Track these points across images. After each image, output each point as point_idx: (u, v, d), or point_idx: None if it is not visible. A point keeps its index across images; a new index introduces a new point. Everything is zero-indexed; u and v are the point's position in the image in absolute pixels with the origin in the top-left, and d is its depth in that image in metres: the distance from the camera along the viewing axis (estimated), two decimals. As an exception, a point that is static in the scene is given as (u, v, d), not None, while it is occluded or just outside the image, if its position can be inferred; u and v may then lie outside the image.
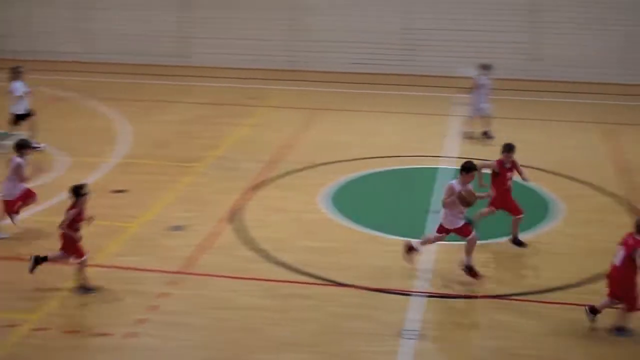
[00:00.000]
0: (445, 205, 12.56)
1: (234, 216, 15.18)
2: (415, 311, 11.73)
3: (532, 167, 18.07)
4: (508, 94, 24.14)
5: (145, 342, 10.81)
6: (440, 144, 20.02)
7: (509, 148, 14.05)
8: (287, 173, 17.71)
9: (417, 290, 12.37)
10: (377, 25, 28.29)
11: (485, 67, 20.61)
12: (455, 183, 12.56)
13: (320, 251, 13.76)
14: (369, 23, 28.33)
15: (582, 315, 11.55)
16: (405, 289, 12.40)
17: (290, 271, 12.98)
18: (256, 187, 16.79)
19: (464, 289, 12.43)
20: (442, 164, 18.30)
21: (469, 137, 20.40)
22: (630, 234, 11.11)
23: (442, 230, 12.80)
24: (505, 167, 13.97)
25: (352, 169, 17.99)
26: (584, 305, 11.43)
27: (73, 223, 11.89)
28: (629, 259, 10.94)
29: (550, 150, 19.59)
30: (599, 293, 12.17)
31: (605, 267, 13.02)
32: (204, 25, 29.15)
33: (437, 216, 15.07)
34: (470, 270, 12.62)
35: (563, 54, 27.25)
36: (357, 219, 15.09)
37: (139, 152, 18.70)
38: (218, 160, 18.49)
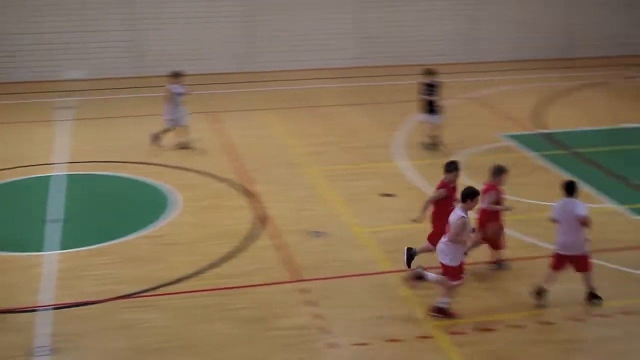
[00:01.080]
0: (453, 240, 11.18)
1: None
2: (45, 326, 11.30)
3: (152, 164, 18.23)
4: (123, 92, 24.07)
5: None
6: (51, 150, 19.38)
7: (500, 170, 12.33)
8: None
9: (44, 304, 11.91)
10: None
11: (177, 75, 19.16)
12: (462, 213, 11.17)
13: None
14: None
15: (212, 300, 11.97)
16: (31, 305, 11.88)
17: None
18: None
19: (92, 295, 12.21)
20: (55, 171, 17.77)
21: (183, 146, 19.22)
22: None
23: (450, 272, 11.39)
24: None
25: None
26: (218, 289, 11.80)
27: None
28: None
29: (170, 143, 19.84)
30: (225, 276, 12.72)
31: (226, 249, 13.66)
32: None
33: (56, 226, 14.67)
34: (442, 312, 11.39)
35: (165, 49, 27.64)
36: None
37: None
38: None
